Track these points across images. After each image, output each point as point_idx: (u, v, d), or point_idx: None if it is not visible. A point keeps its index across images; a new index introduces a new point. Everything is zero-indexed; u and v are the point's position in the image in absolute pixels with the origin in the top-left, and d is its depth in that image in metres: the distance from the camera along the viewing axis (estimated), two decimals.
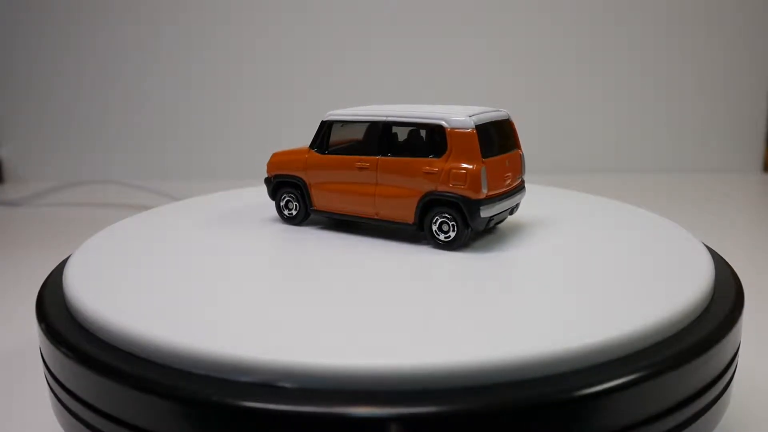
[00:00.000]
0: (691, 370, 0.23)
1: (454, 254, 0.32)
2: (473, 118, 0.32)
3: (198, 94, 1.01)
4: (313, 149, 0.37)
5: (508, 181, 0.33)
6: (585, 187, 0.55)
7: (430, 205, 0.33)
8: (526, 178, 0.36)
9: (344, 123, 0.36)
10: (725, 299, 0.28)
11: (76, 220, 0.77)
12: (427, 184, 0.32)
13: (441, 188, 0.32)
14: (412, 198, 0.33)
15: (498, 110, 0.34)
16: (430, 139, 0.33)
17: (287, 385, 0.21)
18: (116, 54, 0.99)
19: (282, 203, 0.38)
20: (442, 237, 0.32)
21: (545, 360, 0.21)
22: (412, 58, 1.00)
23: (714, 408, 0.25)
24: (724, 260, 0.33)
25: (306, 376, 0.21)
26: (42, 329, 0.26)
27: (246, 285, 0.28)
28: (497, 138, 0.33)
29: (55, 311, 0.27)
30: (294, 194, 0.38)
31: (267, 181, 0.39)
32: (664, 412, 0.22)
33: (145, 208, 0.42)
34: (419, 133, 0.34)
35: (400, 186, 0.33)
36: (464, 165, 0.32)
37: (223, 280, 0.29)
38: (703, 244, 0.33)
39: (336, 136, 0.36)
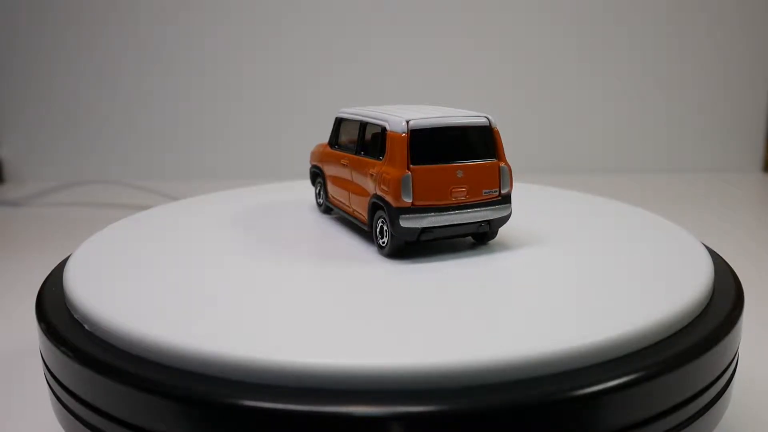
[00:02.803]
0: (691, 369, 0.23)
1: (454, 256, 0.32)
2: (414, 121, 0.30)
3: (198, 94, 1.01)
4: (328, 143, 0.39)
5: (461, 194, 0.31)
6: (585, 187, 0.55)
7: (374, 207, 0.32)
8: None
9: (345, 120, 0.37)
10: (725, 299, 0.28)
11: (76, 220, 0.77)
12: (372, 186, 0.32)
13: (377, 191, 0.31)
14: (366, 198, 0.33)
15: (475, 115, 0.32)
16: (382, 141, 0.32)
17: (286, 385, 0.21)
18: (116, 54, 0.99)
19: (317, 191, 0.40)
20: (380, 241, 0.32)
21: (545, 360, 0.21)
22: (411, 58, 1.00)
23: (714, 408, 0.25)
24: (724, 260, 0.33)
25: (306, 376, 0.21)
26: (42, 329, 0.26)
27: (245, 285, 0.28)
28: (452, 145, 0.31)
29: (55, 311, 0.27)
30: (322, 184, 0.39)
31: (310, 169, 0.41)
32: (664, 412, 0.22)
33: (145, 208, 0.42)
34: (377, 134, 0.33)
35: (361, 185, 0.33)
36: (390, 170, 0.30)
37: (223, 279, 0.29)
38: (702, 244, 0.33)
39: (344, 133, 0.37)
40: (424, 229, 0.30)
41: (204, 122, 1.02)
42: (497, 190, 0.32)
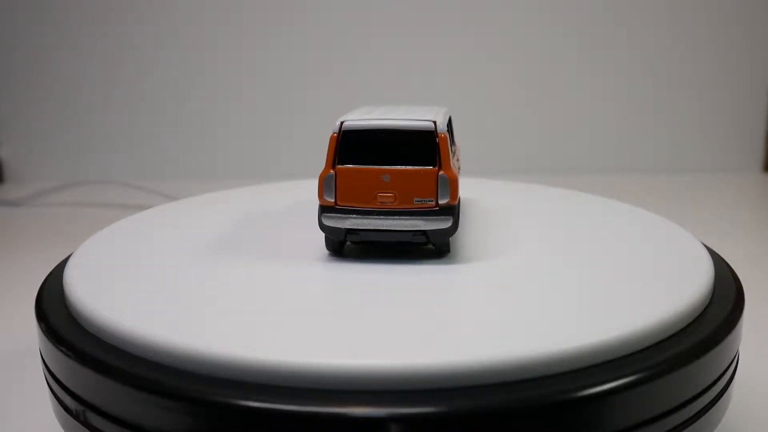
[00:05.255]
0: (692, 370, 0.23)
1: (452, 256, 0.32)
2: (348, 122, 0.30)
3: (198, 94, 1.01)
4: None
5: (388, 200, 0.30)
6: (585, 187, 0.55)
7: None
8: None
9: None
10: (725, 299, 0.28)
11: (76, 220, 0.77)
12: None
13: None
14: None
15: (420, 120, 0.30)
16: None
17: (286, 385, 0.21)
18: (116, 54, 0.99)
19: None
20: None
21: (545, 360, 0.21)
22: (412, 58, 1.00)
23: (714, 408, 0.25)
24: (724, 260, 0.33)
25: (306, 376, 0.21)
26: (42, 329, 0.26)
27: (246, 285, 0.28)
28: (387, 148, 0.30)
29: (55, 311, 0.27)
30: None
31: None
32: (664, 413, 0.22)
33: (145, 208, 0.42)
34: None
35: None
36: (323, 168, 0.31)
37: (223, 279, 0.29)
38: (702, 244, 0.33)
39: None
40: (349, 231, 0.30)
41: (204, 122, 1.02)
42: (433, 199, 0.30)
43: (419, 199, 0.30)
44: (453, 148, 0.36)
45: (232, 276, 0.29)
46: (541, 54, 1.01)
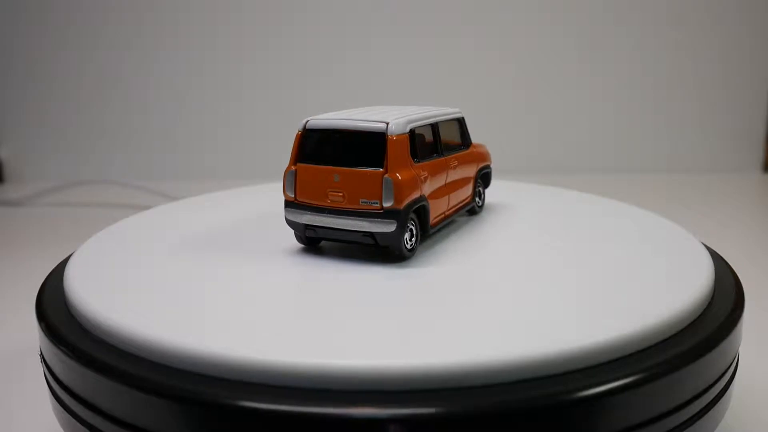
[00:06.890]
0: (692, 370, 0.23)
1: (452, 256, 0.32)
2: (312, 121, 0.31)
3: (197, 94, 1.01)
4: None
5: (337, 199, 0.30)
6: (585, 187, 0.55)
7: None
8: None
9: None
10: (725, 299, 0.28)
11: (76, 220, 0.77)
12: None
13: None
14: None
15: (374, 121, 0.30)
16: None
17: (288, 385, 0.21)
18: (116, 54, 0.99)
19: None
20: None
21: (545, 360, 0.21)
22: (411, 58, 1.00)
23: (714, 408, 0.25)
24: (724, 260, 0.33)
25: (306, 376, 0.21)
26: (42, 329, 0.26)
27: (246, 285, 0.28)
28: (342, 148, 0.30)
29: (55, 311, 0.27)
30: None
31: None
32: (664, 413, 0.22)
33: (145, 208, 0.42)
34: None
35: None
36: None
37: (223, 279, 0.29)
38: (703, 244, 0.33)
39: None
40: (308, 226, 0.31)
41: (204, 122, 1.02)
42: (378, 201, 0.29)
43: (365, 200, 0.30)
44: (454, 154, 0.35)
45: (232, 276, 0.29)
46: (541, 54, 1.01)
